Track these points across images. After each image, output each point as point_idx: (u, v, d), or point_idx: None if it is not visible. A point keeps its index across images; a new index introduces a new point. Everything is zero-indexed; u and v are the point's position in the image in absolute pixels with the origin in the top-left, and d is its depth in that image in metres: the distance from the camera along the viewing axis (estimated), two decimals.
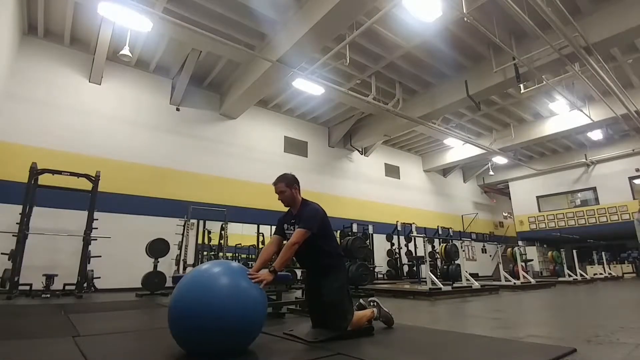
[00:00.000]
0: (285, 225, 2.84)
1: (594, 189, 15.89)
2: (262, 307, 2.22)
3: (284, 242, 2.76)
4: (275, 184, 2.85)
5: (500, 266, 9.24)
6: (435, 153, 16.39)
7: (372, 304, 3.06)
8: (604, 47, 7.63)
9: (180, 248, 7.74)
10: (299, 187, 2.89)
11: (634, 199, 14.65)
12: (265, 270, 2.37)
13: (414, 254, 12.09)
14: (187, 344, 2.07)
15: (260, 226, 10.07)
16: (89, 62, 8.51)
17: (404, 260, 12.52)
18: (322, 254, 2.75)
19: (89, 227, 6.33)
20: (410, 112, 10.56)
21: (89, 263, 6.38)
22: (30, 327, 3.19)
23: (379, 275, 11.88)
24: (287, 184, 2.82)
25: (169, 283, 6.85)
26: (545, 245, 16.98)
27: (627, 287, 9.04)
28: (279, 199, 2.88)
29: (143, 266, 6.90)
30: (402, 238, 12.58)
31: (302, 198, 2.89)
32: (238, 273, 2.21)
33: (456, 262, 7.67)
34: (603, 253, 13.75)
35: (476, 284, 7.12)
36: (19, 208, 5.95)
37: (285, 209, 2.97)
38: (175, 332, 2.06)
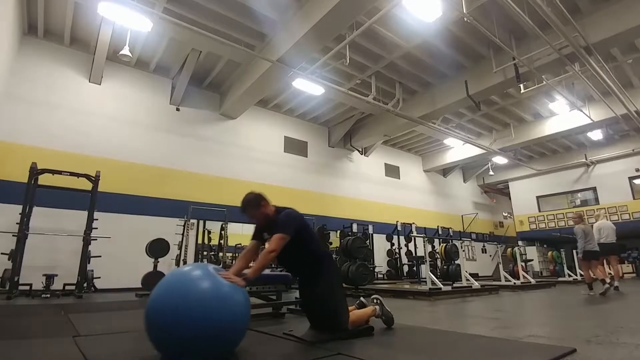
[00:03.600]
0: (265, 234, 2.72)
1: (594, 189, 15.89)
2: (245, 311, 2.14)
3: (262, 246, 2.69)
4: (242, 212, 2.70)
5: (500, 266, 9.24)
6: (435, 153, 16.39)
7: (375, 301, 3.04)
8: (604, 47, 7.63)
9: (180, 248, 7.75)
10: (265, 200, 2.72)
11: (634, 199, 14.65)
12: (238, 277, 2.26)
13: (414, 254, 12.08)
14: (166, 351, 1.97)
15: None
16: (89, 62, 8.51)
17: (404, 260, 12.50)
18: (307, 256, 2.68)
19: (89, 227, 6.33)
20: (410, 112, 10.56)
21: (89, 263, 6.38)
22: (30, 327, 3.19)
23: (379, 275, 11.87)
24: (253, 208, 2.68)
25: None
26: (545, 245, 16.96)
27: (627, 287, 9.03)
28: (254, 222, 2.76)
29: (143, 266, 6.89)
30: (402, 238, 12.57)
31: (274, 207, 2.76)
32: (217, 277, 2.09)
33: (456, 262, 7.67)
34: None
35: (476, 284, 7.13)
36: (19, 208, 5.94)
37: None
38: (153, 338, 1.96)
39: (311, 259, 2.69)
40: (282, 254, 2.51)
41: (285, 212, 2.66)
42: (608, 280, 6.35)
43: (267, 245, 2.55)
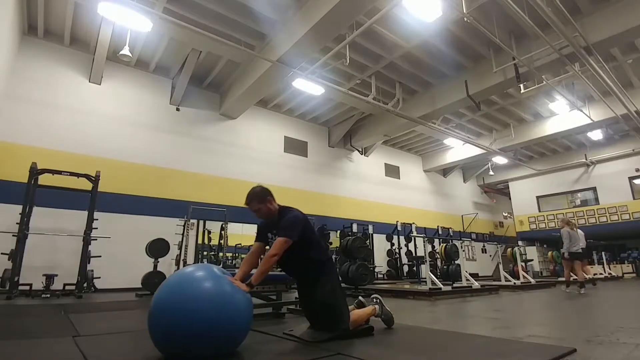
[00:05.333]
0: (269, 235, 2.70)
1: (594, 189, 15.88)
2: (248, 311, 2.18)
3: (267, 247, 2.68)
4: (247, 204, 2.68)
5: (500, 266, 9.24)
6: (435, 153, 16.39)
7: (374, 300, 3.03)
8: (604, 47, 7.63)
9: (180, 248, 7.75)
10: (271, 196, 2.71)
11: (634, 199, 14.65)
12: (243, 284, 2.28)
13: (414, 254, 12.08)
14: (169, 349, 2.00)
15: None
16: (89, 62, 8.51)
17: (404, 260, 12.51)
18: (309, 261, 2.65)
19: (89, 227, 6.33)
20: (410, 112, 10.56)
21: (89, 263, 6.38)
22: (30, 327, 3.19)
23: (379, 275, 11.87)
24: (259, 201, 2.65)
25: None
26: (545, 245, 16.96)
27: (627, 287, 9.03)
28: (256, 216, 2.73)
29: (143, 266, 6.89)
30: (402, 238, 12.58)
31: (280, 205, 2.74)
32: (222, 277, 2.13)
33: (456, 262, 7.67)
34: (603, 253, 13.73)
35: (476, 284, 7.12)
36: (19, 208, 5.94)
37: None
38: (157, 337, 1.99)
39: (313, 263, 2.67)
40: (284, 257, 2.49)
41: (291, 215, 2.61)
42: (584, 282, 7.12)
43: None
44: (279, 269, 2.89)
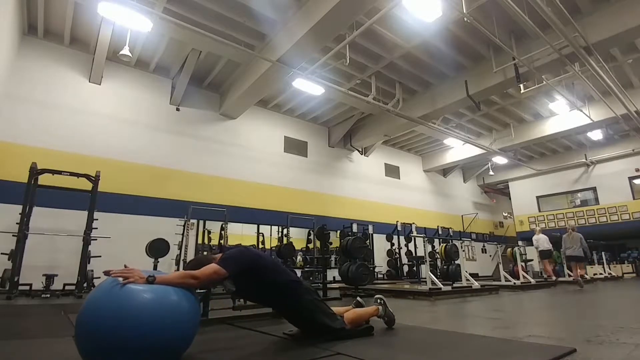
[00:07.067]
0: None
1: (594, 189, 15.89)
2: (193, 316, 1.95)
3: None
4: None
5: (500, 266, 9.24)
6: (435, 153, 16.39)
7: (378, 301, 3.01)
8: (604, 47, 7.63)
9: (180, 248, 7.75)
10: (208, 260, 2.30)
11: (634, 199, 14.65)
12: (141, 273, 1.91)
13: (414, 254, 12.08)
14: None
15: (260, 226, 10.06)
16: (89, 62, 8.51)
17: (404, 260, 12.51)
18: (270, 293, 2.51)
19: (89, 227, 6.32)
20: (410, 112, 10.56)
21: (89, 263, 6.37)
22: (30, 327, 3.19)
23: (379, 275, 11.88)
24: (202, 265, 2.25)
25: None
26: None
27: (627, 287, 9.04)
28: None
29: (143, 266, 6.80)
30: (402, 238, 12.58)
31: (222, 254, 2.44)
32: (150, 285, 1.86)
33: (456, 262, 7.66)
34: (603, 253, 13.73)
35: (476, 284, 7.12)
36: (19, 208, 5.94)
37: None
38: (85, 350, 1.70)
39: (276, 295, 2.52)
40: (246, 292, 2.50)
41: (235, 249, 2.46)
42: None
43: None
44: None
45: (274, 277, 2.47)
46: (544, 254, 10.25)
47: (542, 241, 10.27)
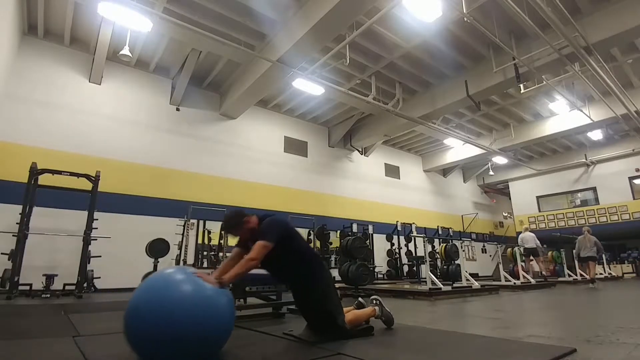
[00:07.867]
0: (249, 244, 2.54)
1: (594, 189, 15.89)
2: (229, 311, 2.08)
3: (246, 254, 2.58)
4: (227, 233, 2.54)
5: (500, 266, 9.24)
6: (435, 153, 16.39)
7: (374, 302, 3.03)
8: (604, 47, 7.63)
9: (180, 248, 7.74)
10: (247, 215, 2.58)
11: (634, 199, 14.65)
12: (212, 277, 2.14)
13: (414, 254, 12.09)
14: (147, 355, 1.89)
15: None
16: (89, 62, 8.51)
17: (404, 260, 12.51)
18: (294, 263, 2.58)
19: (89, 227, 6.32)
20: (410, 112, 10.56)
21: (89, 263, 6.37)
22: (30, 327, 3.19)
23: (379, 275, 11.87)
24: (237, 227, 2.54)
25: None
26: (545, 245, 16.94)
27: (627, 287, 9.04)
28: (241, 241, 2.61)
29: (143, 266, 6.88)
30: (402, 238, 12.58)
31: (258, 217, 2.61)
32: (197, 280, 2.02)
33: (456, 262, 7.66)
34: (603, 253, 13.72)
35: (476, 284, 7.12)
36: (19, 208, 5.94)
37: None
38: (134, 343, 1.87)
39: (299, 266, 2.60)
40: (269, 262, 2.45)
41: (268, 220, 2.54)
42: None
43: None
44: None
45: (299, 244, 2.66)
46: (527, 252, 10.03)
47: (527, 239, 10.11)
